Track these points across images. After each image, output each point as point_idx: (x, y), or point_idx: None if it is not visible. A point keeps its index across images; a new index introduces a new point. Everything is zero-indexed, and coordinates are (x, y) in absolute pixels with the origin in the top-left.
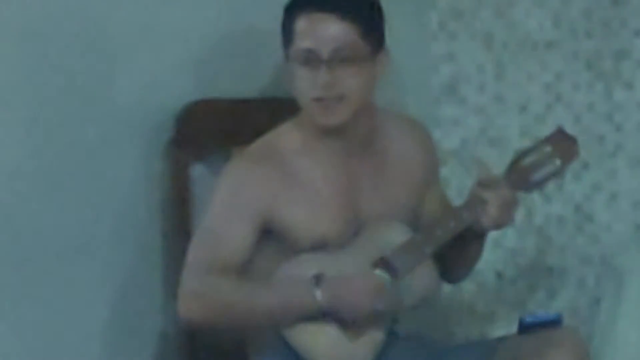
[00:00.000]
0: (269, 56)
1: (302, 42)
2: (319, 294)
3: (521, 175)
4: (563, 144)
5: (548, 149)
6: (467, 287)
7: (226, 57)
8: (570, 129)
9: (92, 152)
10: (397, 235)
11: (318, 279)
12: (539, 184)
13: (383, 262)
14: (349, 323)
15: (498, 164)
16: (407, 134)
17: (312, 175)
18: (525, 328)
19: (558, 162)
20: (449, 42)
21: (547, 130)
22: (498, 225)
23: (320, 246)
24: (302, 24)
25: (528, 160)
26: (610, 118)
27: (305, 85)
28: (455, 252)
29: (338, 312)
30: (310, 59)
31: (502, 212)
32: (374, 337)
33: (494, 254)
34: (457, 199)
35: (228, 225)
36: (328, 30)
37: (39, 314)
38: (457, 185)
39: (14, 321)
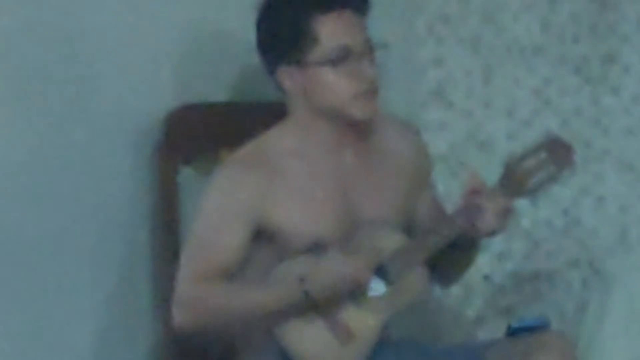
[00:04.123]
0: (255, 60)
1: (334, 41)
2: (307, 284)
3: (516, 182)
4: (558, 150)
5: (543, 155)
6: (455, 291)
7: (213, 61)
8: (557, 134)
9: (79, 157)
10: (390, 241)
11: (304, 276)
12: (534, 191)
13: (377, 268)
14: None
15: (485, 168)
16: (400, 135)
17: (304, 178)
18: (512, 333)
19: (553, 168)
20: (436, 46)
21: (534, 134)
22: (492, 233)
23: (314, 249)
24: (325, 24)
25: (523, 167)
26: (597, 123)
27: (344, 83)
28: (448, 257)
29: (329, 294)
30: (346, 55)
31: (498, 220)
32: (365, 340)
33: (482, 258)
34: (444, 203)
35: (220, 231)
36: (354, 25)
37: (25, 320)
38: (444, 189)
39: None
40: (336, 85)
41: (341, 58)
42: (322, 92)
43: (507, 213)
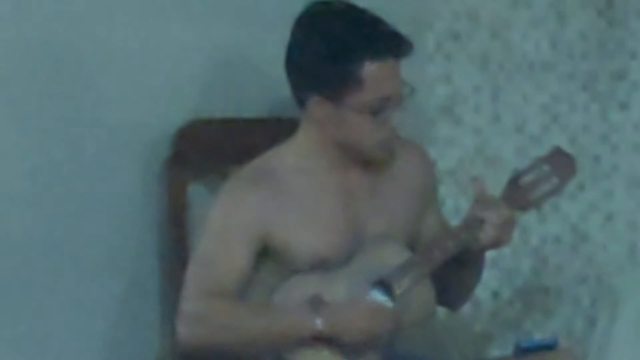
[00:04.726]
0: (266, 76)
1: (377, 92)
2: (319, 322)
3: (520, 194)
4: (561, 162)
5: (546, 167)
6: (464, 307)
7: (223, 76)
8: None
9: (89, 172)
10: (394, 256)
11: (316, 305)
12: (538, 203)
13: (381, 283)
14: (349, 347)
15: (494, 185)
16: (405, 153)
17: (310, 195)
18: (520, 352)
19: (556, 180)
20: (445, 63)
21: (543, 150)
22: (496, 245)
23: (319, 265)
24: (373, 71)
25: (526, 179)
26: (606, 139)
27: (372, 130)
28: (454, 273)
29: (339, 339)
30: (384, 107)
31: (501, 231)
32: (371, 358)
33: (490, 274)
34: (452, 219)
35: (225, 248)
36: (397, 74)
37: (32, 332)
38: (452, 205)
39: (7, 342)
40: (364, 131)
41: (379, 109)
42: (348, 132)
43: (510, 225)
